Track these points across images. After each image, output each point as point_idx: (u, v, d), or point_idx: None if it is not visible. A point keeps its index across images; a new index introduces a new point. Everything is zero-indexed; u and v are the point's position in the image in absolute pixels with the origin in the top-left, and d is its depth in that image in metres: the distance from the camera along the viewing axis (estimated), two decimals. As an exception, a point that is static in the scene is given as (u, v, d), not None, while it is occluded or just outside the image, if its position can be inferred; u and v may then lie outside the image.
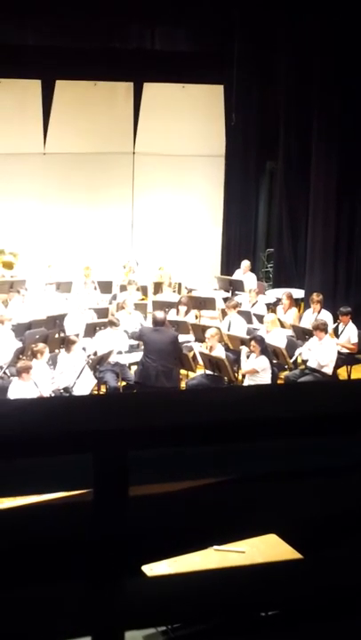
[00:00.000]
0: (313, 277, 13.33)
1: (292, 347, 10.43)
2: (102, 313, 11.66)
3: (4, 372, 9.48)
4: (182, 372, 10.39)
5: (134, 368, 10.24)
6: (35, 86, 15.29)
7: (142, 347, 9.81)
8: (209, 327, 10.41)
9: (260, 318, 11.26)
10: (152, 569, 3.41)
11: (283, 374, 10.37)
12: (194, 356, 10.18)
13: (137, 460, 1.16)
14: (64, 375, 9.22)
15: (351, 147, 12.66)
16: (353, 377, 10.75)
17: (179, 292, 13.67)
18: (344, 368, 10.86)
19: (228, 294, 13.23)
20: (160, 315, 9.83)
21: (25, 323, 10.88)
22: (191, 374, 10.32)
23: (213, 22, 14.45)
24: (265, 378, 9.55)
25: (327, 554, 1.34)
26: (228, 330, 10.98)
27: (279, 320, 11.17)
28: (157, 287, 13.47)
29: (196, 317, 12.00)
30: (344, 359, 10.68)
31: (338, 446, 1.32)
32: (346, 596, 1.29)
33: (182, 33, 14.35)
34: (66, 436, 1.14)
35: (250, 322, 11.42)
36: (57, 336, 10.75)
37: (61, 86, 15.38)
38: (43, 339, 10.07)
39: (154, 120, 15.85)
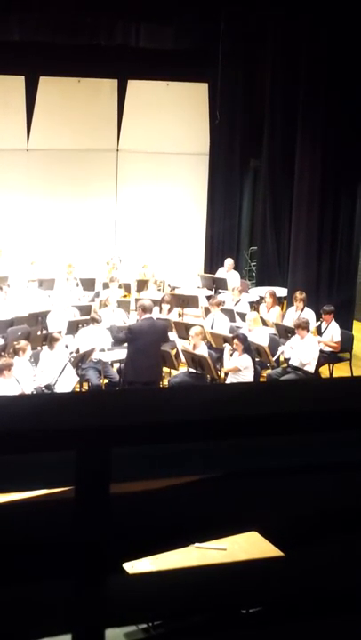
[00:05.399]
0: (296, 275, 13.36)
1: (274, 345, 10.46)
2: (85, 310, 11.63)
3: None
4: (165, 369, 10.39)
5: (117, 366, 10.22)
6: (18, 82, 15.23)
7: (128, 344, 9.43)
8: (192, 325, 10.41)
9: (243, 316, 11.28)
10: (133, 566, 3.41)
11: (265, 372, 10.40)
12: (177, 353, 10.17)
13: (119, 457, 1.15)
14: (46, 372, 9.19)
15: (335, 146, 12.70)
16: (335, 375, 10.80)
17: (163, 290, 13.66)
18: (326, 366, 10.90)
19: (212, 292, 13.25)
20: (148, 302, 9.58)
21: (7, 320, 10.85)
22: (174, 372, 10.32)
23: (199, 20, 14.44)
24: (247, 376, 9.56)
25: (308, 552, 1.34)
26: (211, 328, 10.99)
27: (262, 318, 11.20)
28: (141, 285, 13.45)
29: (180, 315, 12.00)
30: (327, 357, 10.74)
31: (322, 444, 1.32)
32: (326, 595, 1.29)
33: (167, 30, 14.33)
34: (48, 434, 1.13)
35: (233, 320, 11.43)
36: (39, 333, 10.73)
37: (45, 83, 15.33)
38: (25, 336, 10.04)
39: (138, 118, 15.82)
